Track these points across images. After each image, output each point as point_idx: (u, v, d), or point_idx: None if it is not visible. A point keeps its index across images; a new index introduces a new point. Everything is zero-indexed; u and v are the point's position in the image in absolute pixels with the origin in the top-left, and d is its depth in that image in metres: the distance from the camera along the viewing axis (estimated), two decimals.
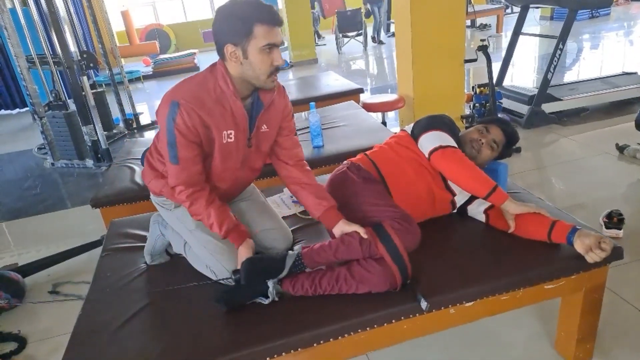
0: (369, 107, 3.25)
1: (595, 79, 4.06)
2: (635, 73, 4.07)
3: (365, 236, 1.25)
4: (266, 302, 1.22)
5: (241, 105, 1.26)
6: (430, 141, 1.43)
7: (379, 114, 3.62)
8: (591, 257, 1.22)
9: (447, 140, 1.42)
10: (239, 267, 1.27)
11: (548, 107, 3.52)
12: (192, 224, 1.40)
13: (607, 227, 2.07)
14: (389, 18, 8.85)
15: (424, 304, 1.16)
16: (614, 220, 2.06)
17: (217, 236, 1.36)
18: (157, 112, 1.26)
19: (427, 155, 1.43)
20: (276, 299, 1.22)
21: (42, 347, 1.83)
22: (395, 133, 1.64)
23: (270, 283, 1.22)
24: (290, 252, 1.29)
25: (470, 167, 1.38)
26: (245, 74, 1.22)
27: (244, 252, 1.30)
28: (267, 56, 1.20)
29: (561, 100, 3.57)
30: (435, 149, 1.40)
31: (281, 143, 1.44)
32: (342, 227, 1.32)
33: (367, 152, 1.57)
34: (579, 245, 1.23)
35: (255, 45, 1.17)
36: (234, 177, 1.39)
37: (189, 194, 1.28)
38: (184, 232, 1.42)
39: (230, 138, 1.28)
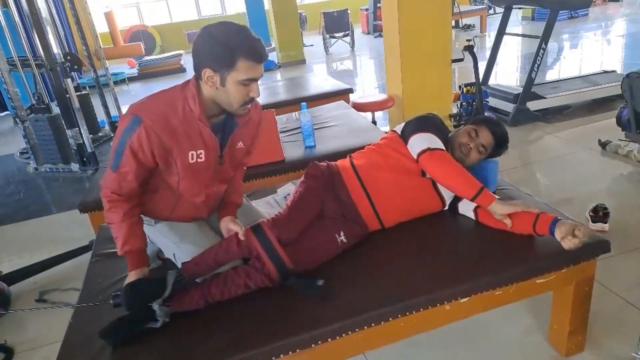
0: (359, 107, 3.27)
1: (577, 77, 4.17)
2: (615, 71, 4.19)
3: (242, 237, 1.29)
4: (157, 325, 1.18)
5: (208, 129, 1.25)
6: (419, 143, 1.44)
7: (369, 114, 3.64)
8: (566, 244, 1.24)
9: (436, 142, 1.44)
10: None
11: (533, 105, 3.60)
12: (175, 237, 1.39)
13: (593, 221, 2.12)
14: (375, 19, 8.92)
15: (319, 282, 1.23)
16: (600, 214, 2.10)
17: (202, 245, 1.35)
18: (120, 117, 1.24)
19: (415, 157, 1.45)
20: (167, 319, 1.19)
21: (30, 358, 1.79)
22: (386, 133, 1.65)
23: (155, 305, 1.19)
24: (170, 271, 1.27)
25: (457, 169, 1.39)
26: (218, 98, 1.22)
27: (133, 278, 1.26)
28: (245, 88, 1.19)
29: (545, 98, 3.65)
30: (424, 151, 1.41)
31: None
32: (227, 223, 1.36)
33: (353, 156, 1.57)
34: (557, 234, 1.26)
35: (234, 77, 1.16)
36: (207, 192, 1.38)
37: (111, 199, 1.26)
38: (169, 245, 1.41)
39: (201, 158, 1.27)
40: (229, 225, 1.35)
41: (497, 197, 1.38)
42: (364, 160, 1.51)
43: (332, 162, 1.55)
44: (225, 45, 1.13)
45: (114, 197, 1.26)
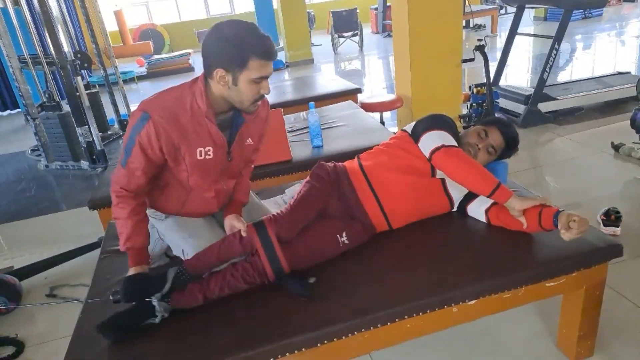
0: (367, 107, 3.26)
1: (590, 78, 4.10)
2: (629, 73, 4.12)
3: (244, 234, 1.29)
4: (157, 321, 1.18)
5: (215, 126, 1.26)
6: (432, 140, 1.42)
7: (377, 114, 3.62)
8: (564, 235, 1.20)
9: (449, 139, 1.42)
10: None
11: (544, 107, 3.55)
12: (185, 232, 1.40)
13: (604, 225, 2.08)
14: (384, 18, 8.89)
15: (311, 280, 1.25)
16: (612, 218, 2.07)
17: (211, 240, 1.36)
18: (130, 114, 1.25)
19: (428, 155, 1.43)
20: (165, 315, 1.19)
21: (40, 351, 1.81)
22: (395, 134, 1.64)
23: (154, 300, 1.19)
24: (173, 267, 1.28)
25: (472, 165, 1.37)
26: (230, 97, 1.23)
27: (132, 273, 1.27)
28: (256, 86, 1.21)
29: (557, 99, 3.60)
30: (438, 149, 1.39)
31: None
32: (231, 221, 1.37)
33: (361, 157, 1.56)
34: (559, 225, 1.23)
35: (247, 76, 1.17)
36: (217, 188, 1.39)
37: (119, 195, 1.28)
38: (178, 240, 1.42)
39: (209, 155, 1.28)
40: (233, 223, 1.36)
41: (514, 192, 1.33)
42: (372, 161, 1.50)
43: (340, 163, 1.54)
44: (237, 45, 1.14)
45: (123, 193, 1.28)
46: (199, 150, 1.27)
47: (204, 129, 1.25)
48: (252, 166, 1.57)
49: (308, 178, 1.47)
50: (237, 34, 1.15)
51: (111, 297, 1.24)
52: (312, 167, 1.53)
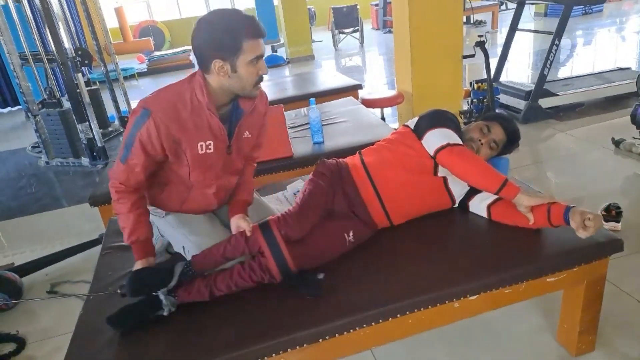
0: (368, 103, 3.25)
1: (590, 74, 4.10)
2: (629, 68, 4.11)
3: (249, 234, 1.29)
4: (164, 313, 1.20)
5: (217, 118, 1.27)
6: (436, 139, 1.42)
7: (378, 110, 3.62)
8: (580, 234, 1.21)
9: (454, 137, 1.41)
10: None
11: (545, 103, 3.55)
12: (185, 229, 1.40)
13: (605, 220, 2.08)
14: (385, 14, 8.86)
15: (320, 275, 1.23)
16: (612, 213, 2.07)
17: (212, 237, 1.36)
18: (131, 111, 1.26)
19: (432, 153, 1.42)
20: (172, 309, 1.21)
21: (42, 348, 1.81)
22: (396, 129, 1.64)
23: (161, 295, 1.21)
24: (179, 262, 1.29)
25: (478, 163, 1.37)
26: (232, 86, 1.24)
27: (139, 267, 1.29)
28: (254, 67, 1.22)
29: (557, 95, 3.60)
30: (443, 147, 1.39)
31: None
32: (237, 221, 1.36)
33: (363, 152, 1.55)
34: (572, 224, 1.22)
35: (244, 59, 1.19)
36: (218, 184, 1.39)
37: (119, 190, 1.29)
38: (179, 238, 1.42)
39: (210, 149, 1.29)
40: (239, 223, 1.36)
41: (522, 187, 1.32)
42: (375, 157, 1.49)
43: (342, 159, 1.54)
44: (227, 31, 1.16)
45: (122, 188, 1.28)
46: (200, 144, 1.27)
47: (205, 123, 1.26)
48: (255, 165, 1.56)
49: (311, 176, 1.47)
50: (224, 21, 1.17)
51: (119, 291, 1.26)
52: (313, 163, 1.53)
